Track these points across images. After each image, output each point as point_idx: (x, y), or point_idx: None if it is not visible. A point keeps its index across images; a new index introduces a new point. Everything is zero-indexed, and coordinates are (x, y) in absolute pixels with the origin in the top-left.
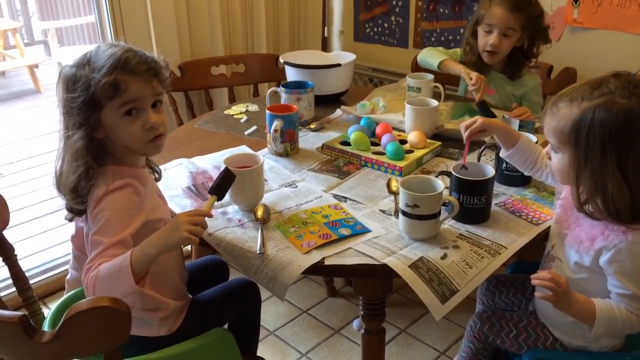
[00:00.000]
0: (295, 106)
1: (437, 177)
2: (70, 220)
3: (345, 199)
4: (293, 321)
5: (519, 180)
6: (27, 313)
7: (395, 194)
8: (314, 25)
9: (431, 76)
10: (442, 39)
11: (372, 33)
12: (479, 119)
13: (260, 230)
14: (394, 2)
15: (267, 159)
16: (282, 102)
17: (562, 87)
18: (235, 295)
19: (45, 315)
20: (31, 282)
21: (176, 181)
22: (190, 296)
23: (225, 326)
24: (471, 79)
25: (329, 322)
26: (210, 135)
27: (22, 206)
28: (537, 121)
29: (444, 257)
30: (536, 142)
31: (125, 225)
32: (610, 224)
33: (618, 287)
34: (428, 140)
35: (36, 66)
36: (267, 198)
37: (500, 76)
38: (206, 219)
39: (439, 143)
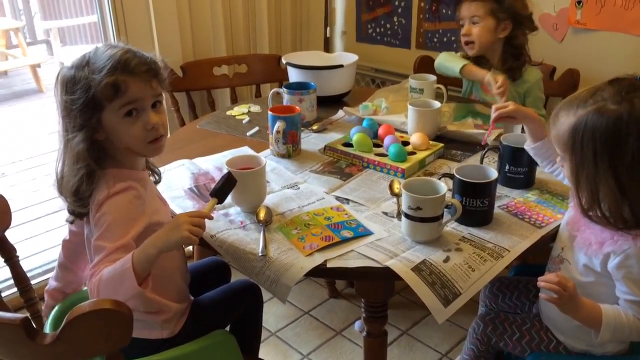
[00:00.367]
0: (297, 107)
1: (439, 179)
2: (72, 222)
3: (347, 200)
4: (294, 322)
5: (521, 182)
6: (28, 314)
7: (398, 196)
8: (316, 26)
9: (434, 77)
10: (445, 39)
11: (374, 34)
12: (511, 104)
13: (262, 232)
14: (397, 3)
15: (269, 160)
16: (285, 103)
17: (565, 88)
18: (237, 297)
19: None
20: (32, 282)
21: (178, 182)
22: (192, 298)
23: (227, 328)
24: (497, 81)
25: (331, 324)
26: (212, 136)
27: (24, 206)
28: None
29: (446, 260)
30: None
31: (127, 229)
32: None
33: (626, 293)
34: (430, 142)
35: (38, 66)
36: (269, 200)
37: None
38: (206, 221)
39: (441, 145)
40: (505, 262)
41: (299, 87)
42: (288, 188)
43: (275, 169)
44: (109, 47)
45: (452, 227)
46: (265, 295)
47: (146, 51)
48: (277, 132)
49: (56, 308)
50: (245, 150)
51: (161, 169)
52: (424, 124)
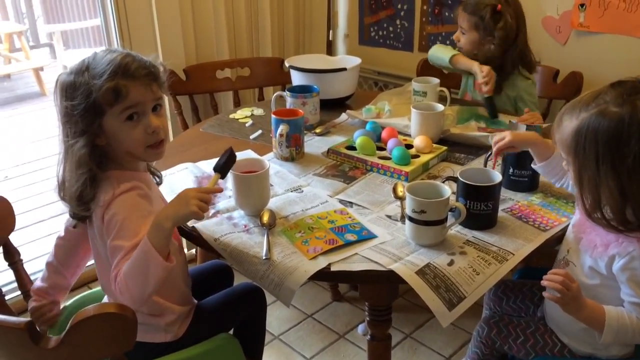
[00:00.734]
0: (300, 110)
1: (443, 182)
2: (74, 227)
3: (351, 204)
4: (298, 326)
5: (525, 185)
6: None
7: (402, 199)
8: (319, 29)
9: (437, 80)
10: (448, 42)
11: (377, 37)
12: (507, 136)
13: (266, 236)
14: (399, 6)
15: (272, 164)
16: (288, 106)
17: (568, 91)
18: (241, 300)
19: None
20: None
21: (181, 185)
22: (196, 301)
23: (231, 331)
24: (482, 71)
25: (334, 327)
26: (216, 140)
27: (27, 209)
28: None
29: (450, 263)
30: None
31: (140, 226)
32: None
33: (630, 296)
34: (434, 145)
35: (41, 69)
36: (272, 203)
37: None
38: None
39: (445, 148)
40: (509, 265)
41: (302, 90)
42: (291, 191)
43: (278, 172)
44: (108, 52)
45: (456, 230)
46: (268, 298)
47: (149, 54)
48: (281, 135)
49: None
50: (249, 154)
51: (164, 172)
52: (428, 127)
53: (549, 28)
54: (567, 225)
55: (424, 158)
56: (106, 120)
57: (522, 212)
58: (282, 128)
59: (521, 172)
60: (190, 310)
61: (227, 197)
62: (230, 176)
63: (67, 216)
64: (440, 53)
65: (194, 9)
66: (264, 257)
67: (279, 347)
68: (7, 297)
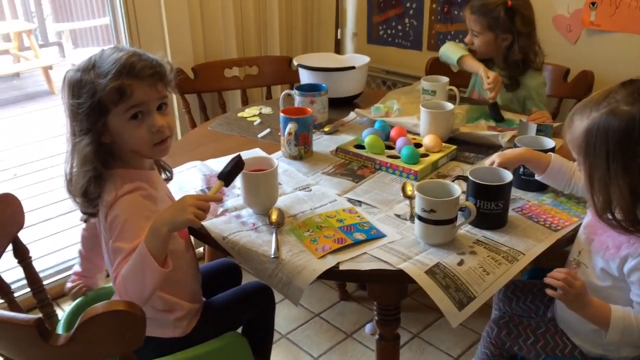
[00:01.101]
0: (309, 109)
1: (453, 181)
2: (85, 221)
3: (359, 202)
4: (305, 325)
5: (536, 185)
6: (41, 315)
7: (411, 198)
8: (327, 28)
9: (446, 79)
10: (457, 41)
11: (385, 35)
12: (496, 160)
13: (274, 234)
14: (408, 4)
15: (280, 162)
16: (296, 104)
17: (579, 90)
18: (250, 299)
19: (60, 318)
20: (45, 283)
21: (190, 184)
22: (204, 299)
23: (239, 330)
24: (488, 77)
25: (341, 326)
26: (224, 138)
27: (36, 207)
28: (555, 124)
29: (460, 263)
30: (554, 147)
31: (142, 228)
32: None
33: (639, 296)
34: (443, 144)
35: (50, 67)
36: (281, 202)
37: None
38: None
39: (454, 147)
40: (520, 265)
41: (311, 89)
42: (300, 190)
43: (286, 170)
44: (115, 51)
45: (466, 230)
46: (276, 297)
47: (157, 53)
48: (289, 133)
49: (69, 308)
50: (257, 152)
51: (173, 170)
52: (437, 126)
53: (560, 27)
54: (578, 226)
55: (433, 157)
56: (111, 119)
57: (532, 212)
58: (291, 126)
59: (531, 172)
60: (199, 307)
61: (235, 195)
62: (239, 175)
63: (80, 215)
64: (450, 52)
65: (202, 8)
66: (272, 256)
67: (286, 346)
68: (16, 295)
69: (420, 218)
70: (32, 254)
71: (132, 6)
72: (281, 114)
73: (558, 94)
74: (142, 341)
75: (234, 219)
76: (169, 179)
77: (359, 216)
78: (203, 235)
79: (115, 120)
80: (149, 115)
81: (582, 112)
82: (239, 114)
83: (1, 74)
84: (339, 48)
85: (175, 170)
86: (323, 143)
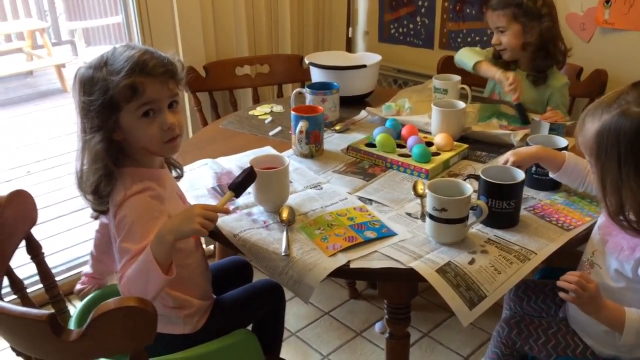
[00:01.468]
0: (320, 107)
1: (465, 180)
2: (96, 218)
3: (370, 201)
4: (315, 323)
5: (548, 184)
6: (54, 311)
7: (422, 196)
8: (338, 26)
9: (458, 78)
10: (469, 39)
11: (397, 34)
12: (511, 158)
13: (285, 232)
14: (420, 3)
15: (292, 160)
16: (307, 103)
17: (592, 89)
18: (260, 296)
19: (71, 313)
20: (57, 279)
21: (201, 181)
22: (215, 296)
23: (250, 327)
24: (508, 78)
25: (351, 324)
26: (235, 136)
27: (48, 204)
28: (568, 123)
29: (471, 262)
30: (567, 146)
31: (149, 229)
32: None
33: None
34: (455, 143)
35: (63, 66)
36: (292, 199)
37: (525, 80)
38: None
39: (466, 145)
40: (532, 264)
41: (322, 87)
42: (311, 188)
43: (297, 169)
44: (127, 48)
45: (477, 229)
46: (286, 294)
47: (169, 51)
48: (300, 132)
49: (81, 304)
50: (268, 150)
51: (184, 168)
52: (448, 125)
53: (573, 25)
54: (591, 225)
55: (445, 156)
56: (122, 116)
57: (544, 211)
58: (302, 125)
59: (544, 171)
60: (209, 304)
61: (247, 193)
62: (250, 185)
63: (91, 212)
64: (465, 58)
65: (214, 6)
66: (283, 254)
67: (296, 344)
68: (28, 290)
69: (431, 217)
70: (45, 250)
71: (144, 5)
72: (292, 112)
73: (571, 93)
74: (153, 337)
75: (245, 217)
76: (179, 177)
77: (369, 214)
78: (214, 233)
79: (127, 118)
80: (160, 113)
81: (593, 114)
82: (250, 112)
83: (15, 72)
84: (350, 46)
85: (186, 168)
86: (334, 141)
